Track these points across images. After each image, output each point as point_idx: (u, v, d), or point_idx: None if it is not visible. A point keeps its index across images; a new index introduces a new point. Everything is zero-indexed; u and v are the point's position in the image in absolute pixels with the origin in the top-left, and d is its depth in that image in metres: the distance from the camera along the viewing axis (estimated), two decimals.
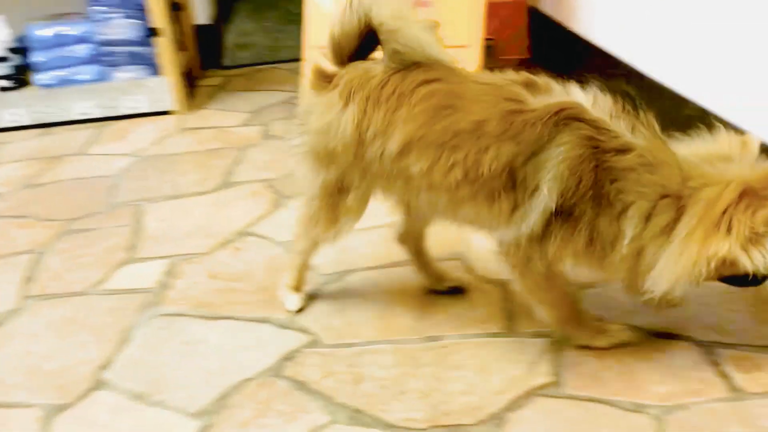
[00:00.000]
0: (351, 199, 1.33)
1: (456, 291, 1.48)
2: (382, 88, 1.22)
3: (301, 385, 1.25)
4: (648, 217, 1.11)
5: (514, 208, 1.16)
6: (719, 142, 1.17)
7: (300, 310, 1.45)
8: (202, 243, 1.74)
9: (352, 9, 1.22)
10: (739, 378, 1.17)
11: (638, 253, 1.13)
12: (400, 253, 1.62)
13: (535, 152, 1.12)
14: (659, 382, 1.18)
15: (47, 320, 1.49)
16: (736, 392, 1.14)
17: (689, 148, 1.16)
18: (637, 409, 1.13)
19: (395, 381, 1.24)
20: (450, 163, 1.18)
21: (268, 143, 2.31)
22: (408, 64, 1.22)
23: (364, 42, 1.25)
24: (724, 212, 1.06)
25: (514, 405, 1.17)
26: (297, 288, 1.47)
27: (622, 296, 1.39)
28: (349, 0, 1.22)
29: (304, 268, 1.46)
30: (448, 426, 1.14)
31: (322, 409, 1.20)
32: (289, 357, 1.33)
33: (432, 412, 1.17)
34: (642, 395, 1.16)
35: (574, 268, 1.22)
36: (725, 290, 1.36)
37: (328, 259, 1.63)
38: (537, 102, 1.14)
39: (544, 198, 1.12)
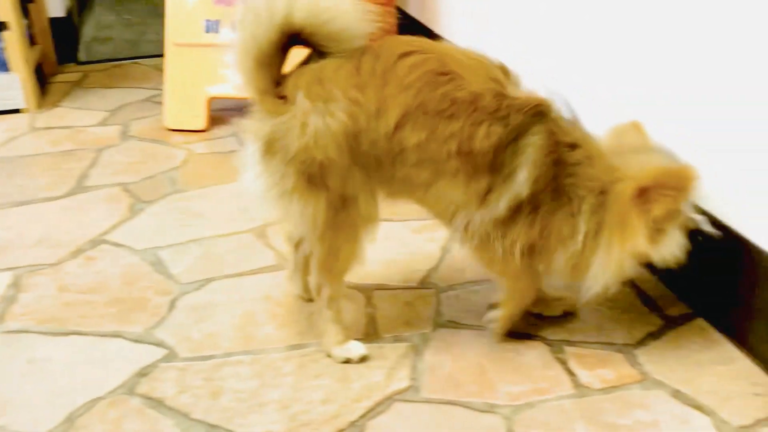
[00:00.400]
0: (363, 205, 1.21)
1: None
2: (358, 72, 1.15)
3: (155, 402, 1.21)
4: (593, 213, 1.17)
5: (489, 190, 1.17)
6: (620, 133, 1.25)
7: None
8: (51, 253, 1.64)
9: (268, 20, 1.13)
10: (584, 375, 1.23)
11: (582, 250, 1.19)
12: (262, 259, 1.60)
13: (515, 138, 1.15)
14: (510, 381, 1.22)
15: None
16: (581, 389, 1.20)
17: (602, 141, 1.23)
18: (490, 409, 1.17)
19: (254, 393, 1.22)
20: (447, 133, 1.15)
21: (126, 144, 2.21)
22: (354, 49, 1.17)
23: (285, 49, 1.18)
24: (629, 211, 1.14)
25: (373, 412, 1.18)
26: (347, 336, 1.31)
27: (477, 298, 1.44)
28: (257, 15, 1.13)
29: (341, 313, 1.31)
30: None
31: (177, 427, 1.16)
32: (142, 373, 1.28)
33: (291, 424, 1.15)
34: (494, 396, 1.19)
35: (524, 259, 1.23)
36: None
37: (187, 266, 1.58)
38: (515, 91, 1.17)
39: (520, 182, 1.15)
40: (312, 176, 1.17)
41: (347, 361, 1.28)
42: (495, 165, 1.16)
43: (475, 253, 1.25)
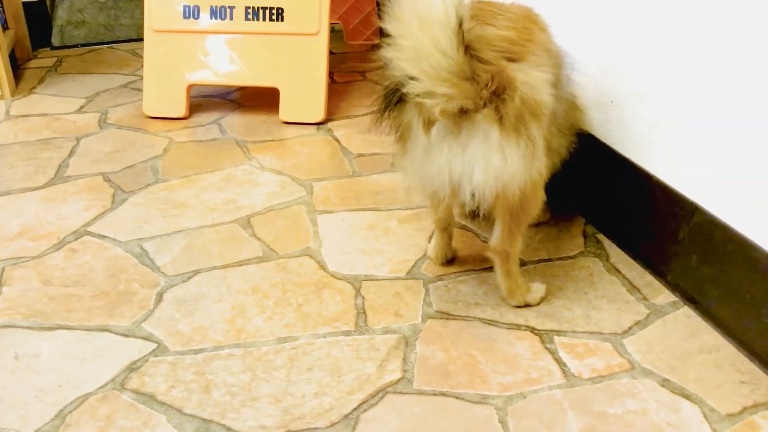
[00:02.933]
0: None
1: None
2: None
3: (147, 398, 1.20)
4: None
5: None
6: None
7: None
8: (33, 245, 1.62)
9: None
10: (574, 364, 1.24)
11: None
12: (249, 250, 1.59)
13: None
14: (501, 372, 1.23)
15: None
16: (571, 378, 1.22)
17: None
18: (482, 400, 1.18)
19: (246, 387, 1.22)
20: None
21: (105, 132, 2.18)
22: None
23: None
24: None
25: (366, 404, 1.18)
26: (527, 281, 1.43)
27: (465, 288, 1.45)
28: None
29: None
30: (301, 430, 1.13)
31: (170, 422, 1.15)
32: (132, 367, 1.27)
33: (284, 417, 1.16)
34: (486, 387, 1.20)
35: None
36: (559, 280, 1.45)
37: (172, 258, 1.56)
38: None
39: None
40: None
41: (540, 301, 1.40)
42: None
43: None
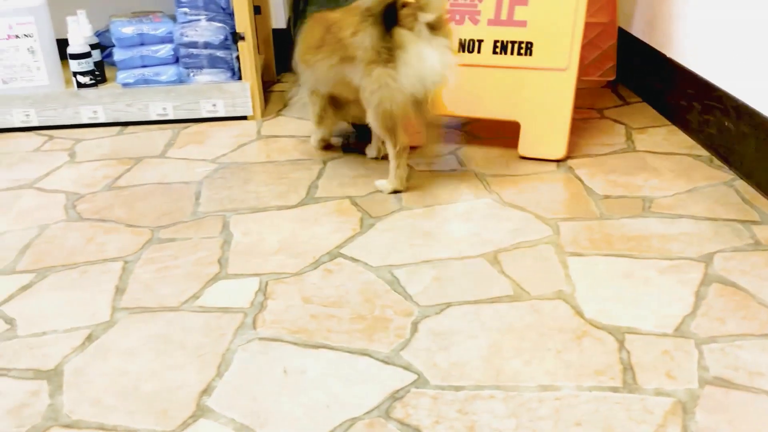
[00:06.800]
0: None
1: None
2: None
3: (412, 430, 1.19)
4: None
5: None
6: None
7: None
8: (291, 262, 1.69)
9: None
10: None
11: None
12: (498, 287, 1.56)
13: None
14: None
15: (141, 336, 1.44)
16: None
17: None
18: None
19: None
20: None
21: (349, 158, 2.25)
22: None
23: None
24: None
25: None
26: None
27: (746, 355, 1.31)
28: None
29: None
30: None
31: None
32: (395, 396, 1.27)
33: None
34: None
35: None
36: None
37: (423, 288, 1.56)
38: None
39: None
40: None
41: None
42: None
43: None
